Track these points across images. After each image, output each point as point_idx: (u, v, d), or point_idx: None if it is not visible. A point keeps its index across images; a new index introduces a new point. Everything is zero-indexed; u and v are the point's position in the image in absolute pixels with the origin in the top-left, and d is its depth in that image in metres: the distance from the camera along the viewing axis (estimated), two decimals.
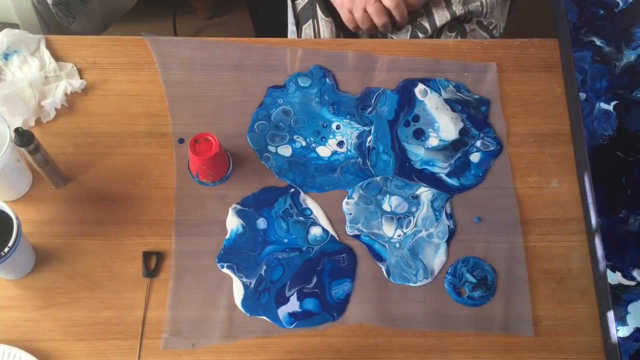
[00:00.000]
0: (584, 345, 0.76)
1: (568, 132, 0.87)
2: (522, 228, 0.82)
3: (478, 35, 0.99)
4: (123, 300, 0.76)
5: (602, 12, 0.88)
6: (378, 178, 0.84)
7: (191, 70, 0.89)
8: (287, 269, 0.79)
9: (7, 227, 0.70)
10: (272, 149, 0.85)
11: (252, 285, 0.78)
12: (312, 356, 0.75)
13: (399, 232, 0.81)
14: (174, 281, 0.77)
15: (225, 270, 0.78)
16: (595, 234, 0.78)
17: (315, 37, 0.99)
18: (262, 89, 0.89)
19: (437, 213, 0.82)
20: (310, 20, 0.99)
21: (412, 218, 0.82)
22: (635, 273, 0.75)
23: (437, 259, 0.80)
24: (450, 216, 0.82)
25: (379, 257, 0.80)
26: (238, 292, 0.77)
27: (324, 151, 0.86)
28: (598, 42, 0.87)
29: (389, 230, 0.81)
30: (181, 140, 0.85)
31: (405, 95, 0.89)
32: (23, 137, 0.73)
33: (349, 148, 0.86)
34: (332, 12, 0.99)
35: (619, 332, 0.73)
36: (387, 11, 0.92)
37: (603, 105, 0.83)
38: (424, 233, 0.81)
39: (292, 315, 0.76)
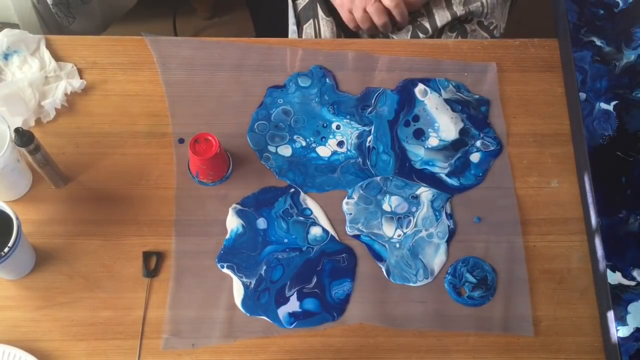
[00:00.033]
0: (584, 345, 0.76)
1: (568, 132, 0.88)
2: (522, 228, 0.82)
3: (479, 35, 0.99)
4: (123, 300, 0.76)
5: (602, 12, 0.88)
6: (378, 178, 0.84)
7: (191, 70, 0.89)
8: (287, 269, 0.79)
9: (7, 227, 0.70)
10: (272, 149, 0.85)
11: (252, 285, 0.78)
12: (312, 356, 0.75)
13: (399, 232, 0.81)
14: (174, 281, 0.77)
15: (225, 270, 0.78)
16: (595, 234, 0.78)
17: (316, 36, 0.99)
18: (262, 89, 0.89)
19: (437, 213, 0.82)
20: (311, 20, 0.99)
21: (412, 218, 0.82)
22: (635, 273, 0.75)
23: (437, 259, 0.80)
24: (450, 216, 0.82)
25: (379, 257, 0.80)
26: (238, 292, 0.77)
27: (324, 151, 0.86)
28: (598, 42, 0.87)
29: (389, 230, 0.81)
30: (181, 140, 0.85)
31: (405, 95, 0.89)
32: (23, 137, 0.73)
33: (349, 148, 0.86)
34: (332, 12, 0.99)
35: (619, 332, 0.73)
36: (387, 11, 0.92)
37: (603, 105, 0.83)
38: (424, 233, 0.81)
39: (292, 315, 0.76)
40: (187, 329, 0.75)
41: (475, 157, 0.86)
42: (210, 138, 0.78)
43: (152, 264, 0.78)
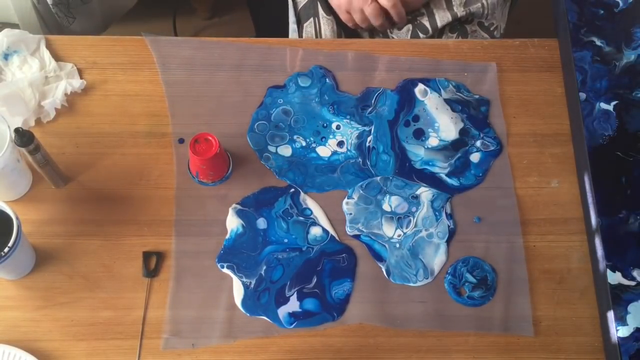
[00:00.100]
0: (584, 345, 0.76)
1: (568, 132, 0.88)
2: (522, 228, 0.82)
3: (479, 36, 0.99)
4: (123, 300, 0.76)
5: (602, 12, 0.88)
6: (378, 178, 0.84)
7: (191, 70, 0.89)
8: (287, 269, 0.79)
9: (7, 227, 0.70)
10: (272, 149, 0.85)
11: (252, 285, 0.78)
12: (312, 356, 0.75)
13: (399, 232, 0.81)
14: (174, 281, 0.77)
15: (225, 270, 0.78)
16: (595, 234, 0.78)
17: (316, 35, 0.99)
18: (262, 89, 0.89)
19: (437, 213, 0.82)
20: (312, 19, 0.99)
21: (412, 218, 0.82)
22: (635, 273, 0.75)
23: (437, 259, 0.80)
24: (450, 216, 0.82)
25: (379, 257, 0.80)
26: (238, 292, 0.77)
27: (324, 151, 0.86)
28: (598, 42, 0.87)
29: (389, 230, 0.81)
30: (181, 140, 0.85)
31: (405, 95, 0.89)
32: (23, 137, 0.73)
33: (349, 148, 0.86)
34: (333, 10, 0.99)
35: (619, 332, 0.73)
36: (385, 11, 0.93)
37: (603, 105, 0.83)
38: (424, 233, 0.81)
39: (292, 315, 0.76)
40: (187, 329, 0.75)
41: (475, 157, 0.86)
42: (210, 138, 0.78)
43: (152, 264, 0.78)
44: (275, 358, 0.75)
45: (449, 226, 0.81)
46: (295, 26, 1.02)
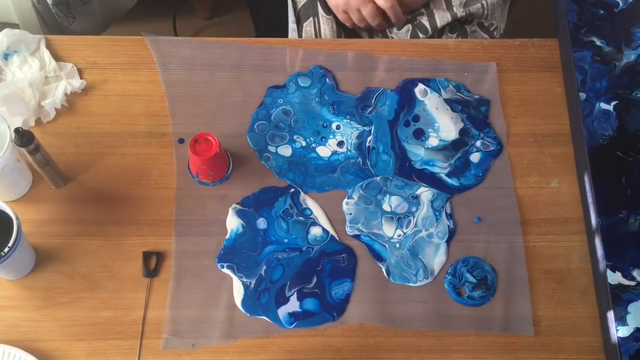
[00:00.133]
0: (584, 345, 0.76)
1: (568, 132, 0.88)
2: (522, 228, 0.82)
3: (479, 36, 0.99)
4: (123, 300, 0.76)
5: (602, 12, 0.88)
6: (378, 178, 0.84)
7: (191, 70, 0.89)
8: (287, 269, 0.79)
9: (7, 227, 0.70)
10: (272, 149, 0.85)
11: (252, 285, 0.78)
12: (312, 356, 0.75)
13: (399, 232, 0.81)
14: (174, 281, 0.77)
15: (225, 270, 0.78)
16: (595, 234, 0.78)
17: (316, 34, 0.99)
18: (262, 89, 0.89)
19: (437, 213, 0.82)
20: (311, 18, 0.99)
21: (412, 218, 0.82)
22: (635, 273, 0.75)
23: (437, 259, 0.80)
24: (450, 216, 0.82)
25: (379, 257, 0.80)
26: (238, 292, 0.77)
27: (324, 151, 0.86)
28: (598, 42, 0.87)
29: (389, 230, 0.81)
30: (181, 140, 0.85)
31: (405, 95, 0.89)
32: (23, 137, 0.73)
33: (349, 148, 0.86)
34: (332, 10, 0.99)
35: (619, 332, 0.73)
36: (383, 11, 0.93)
37: (603, 105, 0.83)
38: (424, 233, 0.81)
39: (292, 315, 0.76)
40: (187, 329, 0.75)
41: (475, 157, 0.86)
42: (210, 138, 0.78)
43: (152, 264, 0.78)
44: (275, 358, 0.75)
45: (449, 226, 0.81)
46: (294, 25, 1.02)
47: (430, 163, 0.85)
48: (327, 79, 0.89)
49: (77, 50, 0.90)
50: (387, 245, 0.80)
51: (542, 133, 0.87)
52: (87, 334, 0.75)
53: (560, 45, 0.92)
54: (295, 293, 0.78)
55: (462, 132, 0.87)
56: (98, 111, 0.86)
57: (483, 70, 0.91)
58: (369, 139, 0.86)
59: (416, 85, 0.89)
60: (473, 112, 0.88)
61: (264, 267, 0.78)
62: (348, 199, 0.83)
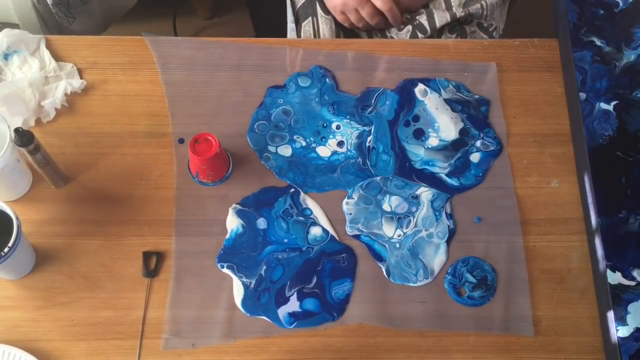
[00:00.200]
0: (584, 345, 0.76)
1: (568, 132, 0.88)
2: (522, 228, 0.82)
3: (478, 37, 0.99)
4: (123, 300, 0.76)
5: (602, 12, 0.88)
6: (378, 178, 0.84)
7: (191, 70, 0.89)
8: (287, 269, 0.79)
9: (7, 227, 0.70)
10: (272, 149, 0.85)
11: (252, 285, 0.78)
12: (312, 356, 0.75)
13: (399, 232, 0.81)
14: (174, 281, 0.77)
15: (225, 270, 0.78)
16: (595, 234, 0.78)
17: (314, 34, 0.99)
18: (262, 89, 0.89)
19: (437, 213, 0.82)
20: (310, 18, 0.99)
21: (412, 218, 0.82)
22: (635, 273, 0.75)
23: (437, 259, 0.80)
24: (450, 216, 0.82)
25: (379, 257, 0.80)
26: (238, 292, 0.77)
27: (324, 151, 0.86)
28: (598, 42, 0.87)
29: (389, 230, 0.81)
30: (181, 140, 0.85)
31: (405, 95, 0.89)
32: (23, 137, 0.73)
33: (349, 148, 0.86)
34: None
35: (619, 332, 0.73)
36: (380, 11, 0.93)
37: (603, 105, 0.83)
38: (424, 233, 0.81)
39: (292, 315, 0.76)
40: (187, 329, 0.75)
41: (475, 157, 0.86)
42: (210, 138, 0.78)
43: (152, 264, 0.78)
44: (275, 358, 0.75)
45: (449, 226, 0.81)
46: (293, 25, 1.02)
47: (430, 163, 0.85)
48: (327, 79, 0.89)
49: (77, 50, 0.90)
50: (387, 245, 0.80)
51: (542, 133, 0.87)
52: (87, 334, 0.75)
53: (560, 45, 0.92)
54: (295, 293, 0.78)
55: (462, 132, 0.87)
56: (98, 111, 0.86)
57: (483, 70, 0.91)
58: (369, 139, 0.86)
59: (416, 85, 0.89)
60: (473, 112, 0.88)
61: (264, 267, 0.78)
62: (348, 199, 0.83)
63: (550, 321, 0.77)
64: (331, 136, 0.86)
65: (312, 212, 0.82)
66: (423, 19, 0.97)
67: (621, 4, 0.89)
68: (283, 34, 1.05)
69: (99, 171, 0.83)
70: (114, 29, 1.27)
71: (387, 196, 0.83)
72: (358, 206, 0.82)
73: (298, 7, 1.01)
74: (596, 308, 0.78)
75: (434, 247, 0.80)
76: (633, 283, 0.74)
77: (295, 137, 0.86)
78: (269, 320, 0.76)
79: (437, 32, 0.97)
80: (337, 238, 0.81)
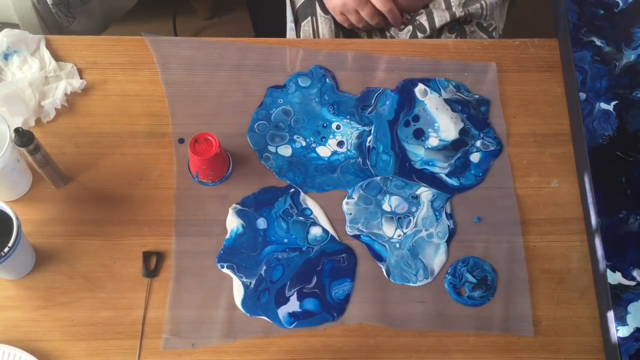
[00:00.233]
0: (584, 345, 0.76)
1: (568, 132, 0.88)
2: (522, 228, 0.82)
3: (477, 36, 0.99)
4: (123, 300, 0.76)
5: (602, 12, 0.88)
6: (378, 178, 0.84)
7: (191, 70, 0.89)
8: (287, 269, 0.79)
9: (7, 227, 0.70)
10: (272, 149, 0.85)
11: (252, 285, 0.78)
12: (312, 356, 0.75)
13: (399, 232, 0.81)
14: (174, 281, 0.77)
15: (225, 270, 0.78)
16: (595, 234, 0.78)
17: (314, 34, 0.99)
18: (262, 89, 0.89)
19: (437, 213, 0.82)
20: (309, 18, 0.99)
21: (412, 218, 0.82)
22: (635, 273, 0.75)
23: (437, 259, 0.80)
24: (450, 216, 0.82)
25: (379, 257, 0.80)
26: (238, 292, 0.77)
27: (324, 151, 0.86)
28: (598, 42, 0.87)
29: (389, 230, 0.81)
30: (181, 140, 0.85)
31: (405, 95, 0.89)
32: (23, 137, 0.73)
33: (349, 148, 0.86)
34: None
35: (619, 332, 0.73)
36: (380, 12, 0.93)
37: (603, 105, 0.83)
38: (424, 233, 0.81)
39: (292, 315, 0.76)
40: (187, 329, 0.75)
41: (475, 157, 0.86)
42: (210, 138, 0.78)
43: (152, 264, 0.78)
44: (275, 358, 0.75)
45: (449, 226, 0.81)
46: (292, 25, 1.02)
47: (430, 163, 0.85)
48: (327, 79, 0.89)
49: (77, 50, 0.90)
50: (387, 245, 0.80)
51: (542, 133, 0.87)
52: (87, 334, 0.75)
53: (560, 45, 0.92)
54: (295, 293, 0.78)
55: (462, 132, 0.87)
56: (98, 111, 0.86)
57: (483, 70, 0.91)
58: (369, 139, 0.86)
59: (416, 85, 0.89)
60: (473, 112, 0.88)
61: (264, 267, 0.78)
62: (348, 199, 0.83)
63: (550, 321, 0.77)
64: (331, 136, 0.86)
65: (312, 212, 0.82)
66: (423, 19, 0.97)
67: (621, 4, 0.89)
68: (282, 34, 1.05)
69: (99, 171, 0.83)
70: (114, 29, 1.27)
71: (387, 196, 0.83)
72: (358, 206, 0.82)
73: (297, 6, 1.01)
74: (596, 308, 0.78)
75: (434, 247, 0.80)
76: (633, 283, 0.74)
77: (295, 137, 0.86)
78: (269, 320, 0.76)
79: (437, 32, 0.97)
80: (337, 238, 0.81)
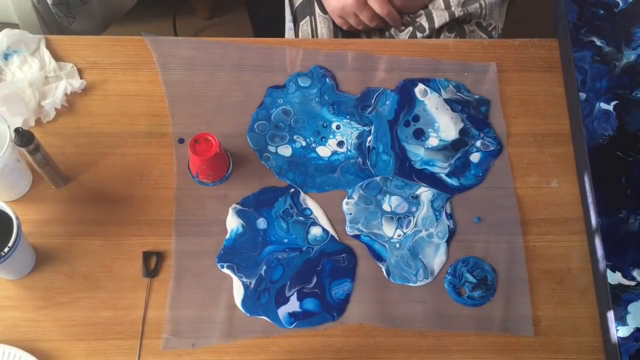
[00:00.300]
0: (584, 345, 0.76)
1: (568, 132, 0.88)
2: (522, 228, 0.82)
3: (477, 36, 0.99)
4: (123, 300, 0.76)
5: (602, 12, 0.88)
6: (378, 178, 0.84)
7: (191, 70, 0.89)
8: (287, 269, 0.79)
9: (7, 227, 0.70)
10: (272, 149, 0.85)
11: (252, 285, 0.78)
12: (312, 356, 0.75)
13: (399, 232, 0.81)
14: (174, 281, 0.77)
15: (225, 270, 0.78)
16: (595, 234, 0.78)
17: (312, 34, 0.99)
18: (262, 89, 0.89)
19: (437, 213, 0.82)
20: (308, 17, 1.00)
21: (412, 218, 0.82)
22: (635, 273, 0.75)
23: (437, 259, 0.80)
24: (450, 216, 0.82)
25: (379, 257, 0.80)
26: (238, 292, 0.77)
27: (324, 151, 0.86)
28: (598, 42, 0.87)
29: (389, 230, 0.81)
30: (181, 140, 0.85)
31: (405, 95, 0.89)
32: (23, 137, 0.73)
33: (349, 148, 0.86)
34: None
35: (619, 332, 0.73)
36: (379, 15, 0.94)
37: (603, 105, 0.83)
38: (424, 233, 0.81)
39: (292, 315, 0.76)
40: (187, 329, 0.75)
41: (475, 157, 0.86)
42: (210, 138, 0.78)
43: (152, 264, 0.78)
44: (275, 358, 0.75)
45: (449, 226, 0.81)
46: (291, 24, 1.02)
47: (430, 163, 0.85)
48: (327, 79, 0.89)
49: (77, 50, 0.90)
50: (387, 245, 0.80)
51: (542, 133, 0.87)
52: (87, 334, 0.75)
53: (560, 45, 0.92)
54: (295, 293, 0.78)
55: (462, 132, 0.87)
56: (98, 111, 0.86)
57: (483, 70, 0.91)
58: (369, 139, 0.86)
59: (416, 85, 0.89)
60: (473, 112, 0.88)
61: (264, 267, 0.78)
62: (348, 199, 0.83)
63: (550, 321, 0.77)
64: (331, 136, 0.86)
65: (312, 212, 0.82)
66: (422, 19, 0.97)
67: (621, 4, 0.89)
68: (282, 33, 1.05)
69: (99, 171, 0.83)
70: (114, 29, 1.27)
71: (387, 196, 0.83)
72: (358, 206, 0.82)
73: (296, 6, 1.01)
74: (596, 308, 0.78)
75: (434, 247, 0.80)
76: (633, 283, 0.74)
77: (295, 137, 0.86)
78: (269, 320, 0.76)
79: (436, 32, 0.97)
80: (337, 238, 0.81)
